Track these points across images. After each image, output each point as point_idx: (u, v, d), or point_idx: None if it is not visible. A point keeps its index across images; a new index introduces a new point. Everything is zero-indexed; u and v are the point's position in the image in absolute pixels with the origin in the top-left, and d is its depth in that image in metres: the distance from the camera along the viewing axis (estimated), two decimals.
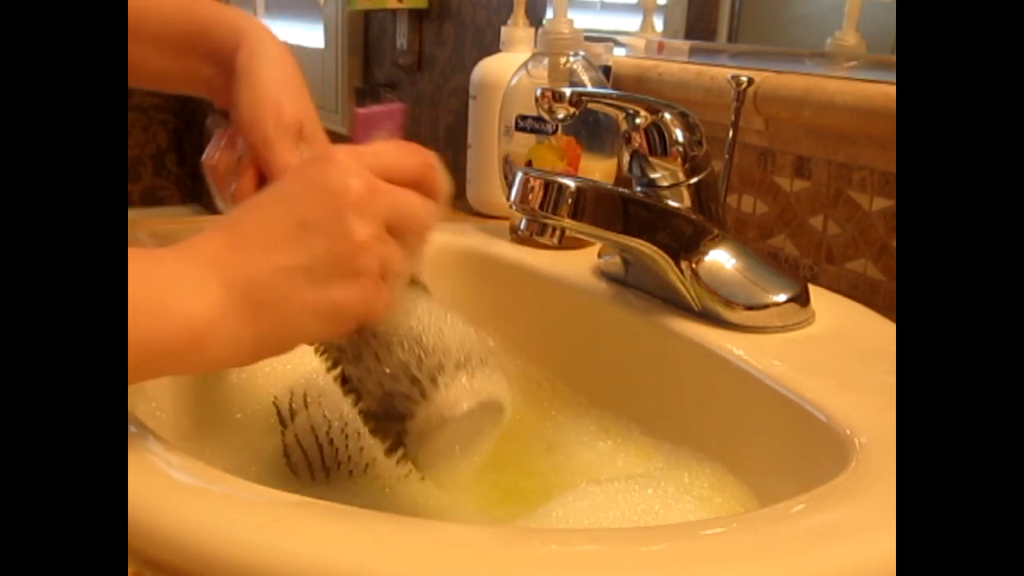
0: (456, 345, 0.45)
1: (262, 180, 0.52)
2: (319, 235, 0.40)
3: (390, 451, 0.46)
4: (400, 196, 0.43)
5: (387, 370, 0.45)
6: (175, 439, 0.55)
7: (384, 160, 0.43)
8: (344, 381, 0.47)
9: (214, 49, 0.56)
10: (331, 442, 0.53)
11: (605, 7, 1.02)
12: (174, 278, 0.39)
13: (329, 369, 0.47)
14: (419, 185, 0.44)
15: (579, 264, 0.69)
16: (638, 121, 0.59)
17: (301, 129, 0.54)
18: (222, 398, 0.60)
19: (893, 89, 0.64)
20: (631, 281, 0.65)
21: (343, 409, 0.55)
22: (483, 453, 0.48)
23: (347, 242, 0.40)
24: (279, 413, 0.57)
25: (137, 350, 0.37)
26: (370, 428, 0.47)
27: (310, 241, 0.40)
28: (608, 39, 0.87)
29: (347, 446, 0.52)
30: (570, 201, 0.55)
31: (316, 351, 0.48)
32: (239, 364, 0.43)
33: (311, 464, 0.53)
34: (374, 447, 0.49)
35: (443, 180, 0.45)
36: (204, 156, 0.55)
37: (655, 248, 0.58)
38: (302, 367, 0.58)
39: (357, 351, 0.45)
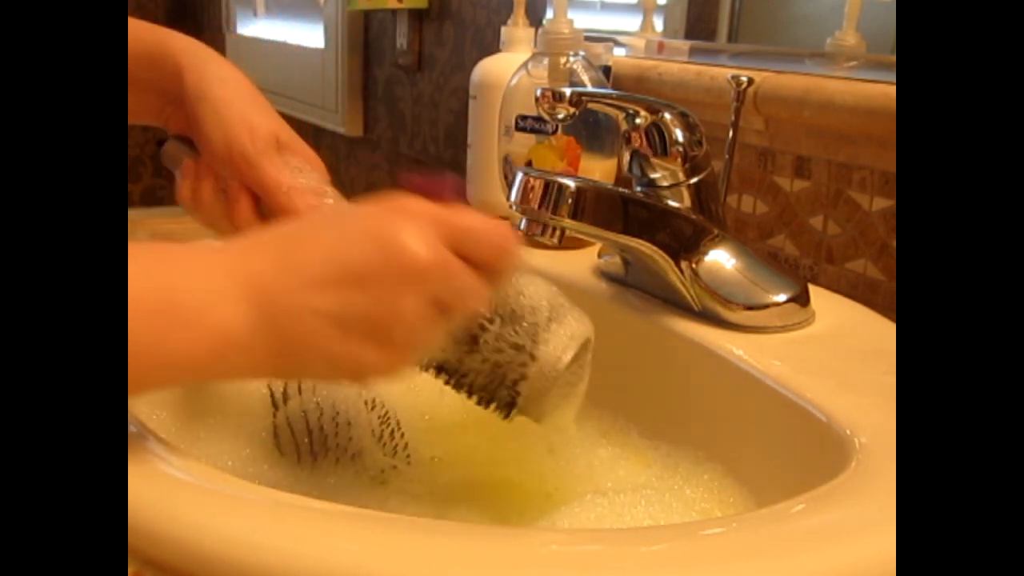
0: (539, 301, 0.47)
1: (256, 199, 0.52)
2: (366, 293, 0.38)
3: (507, 414, 0.47)
4: (460, 279, 0.40)
5: (489, 345, 0.46)
6: (171, 420, 0.55)
7: (464, 234, 0.40)
8: (440, 370, 0.47)
9: (160, 79, 0.55)
10: (321, 429, 0.53)
11: (605, 7, 1.02)
12: (205, 289, 0.38)
13: (423, 368, 0.48)
14: (489, 270, 0.42)
15: (579, 264, 0.69)
16: (638, 121, 0.59)
17: (277, 140, 0.53)
18: (219, 382, 0.60)
19: (893, 89, 0.64)
20: (631, 281, 0.65)
21: (335, 398, 0.55)
22: (585, 383, 0.50)
23: (390, 310, 0.39)
24: (272, 396, 0.57)
25: (153, 359, 0.37)
26: (477, 400, 0.48)
27: (355, 296, 0.38)
28: (608, 39, 0.87)
29: (336, 434, 0.53)
30: (570, 201, 0.55)
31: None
32: (252, 379, 0.42)
33: (299, 448, 0.53)
34: (363, 437, 0.49)
35: (512, 267, 0.43)
36: (178, 192, 0.54)
37: (655, 248, 0.58)
38: None
39: (450, 339, 0.46)
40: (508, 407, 0.47)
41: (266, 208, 0.53)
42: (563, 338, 0.47)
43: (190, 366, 0.38)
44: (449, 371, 0.47)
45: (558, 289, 0.50)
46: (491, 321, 0.46)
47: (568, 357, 0.47)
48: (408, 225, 0.39)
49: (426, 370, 0.48)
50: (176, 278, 0.38)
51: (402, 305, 0.39)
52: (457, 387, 0.48)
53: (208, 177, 0.54)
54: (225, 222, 0.53)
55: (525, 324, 0.46)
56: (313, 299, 0.38)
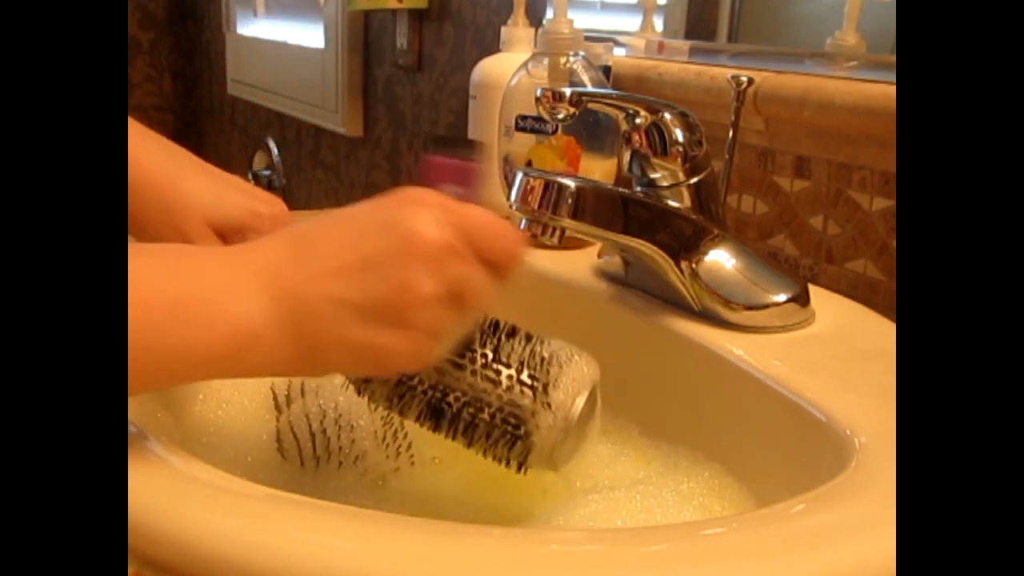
0: (542, 348, 0.46)
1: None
2: (382, 277, 0.38)
3: (520, 466, 0.46)
4: (474, 271, 0.40)
5: (497, 388, 0.45)
6: (173, 422, 0.55)
7: (474, 228, 0.40)
8: (436, 412, 0.46)
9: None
10: (324, 431, 0.53)
11: (605, 7, 1.02)
12: (225, 284, 0.38)
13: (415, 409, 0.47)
14: (495, 268, 0.41)
15: (579, 264, 0.69)
16: (638, 121, 0.59)
17: (209, 223, 0.54)
18: (221, 384, 0.60)
19: (893, 89, 0.64)
20: (631, 281, 0.65)
21: (338, 400, 0.55)
22: (595, 428, 0.49)
23: (407, 293, 0.38)
24: (275, 399, 0.57)
25: (179, 354, 0.37)
26: (483, 448, 0.46)
27: (372, 280, 0.38)
28: (608, 39, 0.87)
29: (339, 437, 0.53)
30: (570, 201, 0.55)
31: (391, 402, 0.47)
32: (275, 376, 0.42)
33: (302, 451, 0.53)
34: (365, 440, 0.49)
35: (519, 272, 0.43)
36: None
37: (655, 248, 0.58)
38: None
39: (455, 380, 0.45)
40: (521, 458, 0.46)
41: None
42: (570, 388, 0.46)
43: (210, 361, 0.38)
44: (449, 411, 0.46)
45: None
46: (502, 363, 0.45)
47: (578, 408, 0.45)
48: (421, 211, 0.40)
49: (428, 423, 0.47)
50: (193, 274, 0.38)
51: (419, 288, 0.39)
52: (457, 433, 0.46)
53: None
54: None
55: (535, 371, 0.45)
56: (331, 287, 0.38)
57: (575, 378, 0.46)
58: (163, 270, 0.38)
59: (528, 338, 0.47)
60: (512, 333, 0.47)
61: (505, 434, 0.45)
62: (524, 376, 0.45)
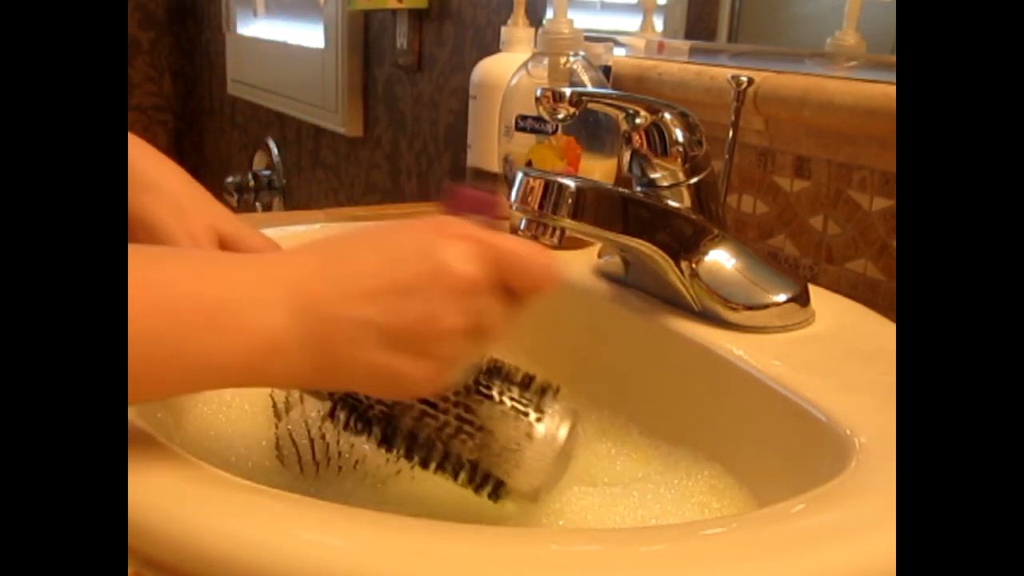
0: (522, 379, 0.47)
1: None
2: (410, 305, 0.39)
3: (496, 495, 0.46)
4: (494, 311, 0.41)
5: (483, 422, 0.45)
6: (174, 423, 0.55)
7: (506, 262, 0.41)
8: (412, 447, 0.46)
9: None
10: (323, 437, 0.53)
11: (605, 7, 1.02)
12: (252, 295, 0.38)
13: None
14: (525, 293, 0.42)
15: (579, 264, 0.69)
16: (638, 121, 0.59)
17: (219, 236, 0.55)
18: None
19: (893, 89, 0.64)
20: (631, 281, 0.65)
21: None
22: (574, 456, 0.49)
23: (433, 324, 0.39)
24: (275, 406, 0.57)
25: (205, 361, 0.37)
26: (464, 478, 0.46)
27: (398, 307, 0.39)
28: (608, 39, 0.87)
29: (338, 442, 0.52)
30: (570, 201, 0.55)
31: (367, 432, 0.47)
32: (288, 388, 0.42)
33: (301, 458, 0.53)
34: (364, 444, 0.49)
35: (546, 295, 0.43)
36: None
37: (655, 248, 0.58)
38: None
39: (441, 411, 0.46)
40: (497, 487, 0.46)
41: None
42: (555, 418, 0.46)
43: (229, 371, 0.38)
44: (426, 443, 0.46)
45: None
46: (501, 393, 0.46)
47: (563, 436, 0.46)
48: (455, 245, 0.40)
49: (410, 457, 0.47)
50: (219, 282, 0.38)
51: (446, 321, 0.39)
52: (436, 465, 0.46)
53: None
54: None
55: (521, 400, 0.46)
56: (357, 309, 0.39)
57: (560, 411, 0.47)
58: (199, 277, 0.38)
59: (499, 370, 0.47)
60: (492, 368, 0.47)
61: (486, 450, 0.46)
62: (512, 413, 0.46)
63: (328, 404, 0.47)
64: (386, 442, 0.46)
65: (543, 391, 0.47)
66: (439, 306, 0.39)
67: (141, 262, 0.37)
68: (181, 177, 0.57)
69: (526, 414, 0.46)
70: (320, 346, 0.39)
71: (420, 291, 0.39)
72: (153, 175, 0.55)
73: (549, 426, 0.46)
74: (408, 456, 0.46)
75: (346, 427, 0.47)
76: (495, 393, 0.46)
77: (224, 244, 0.57)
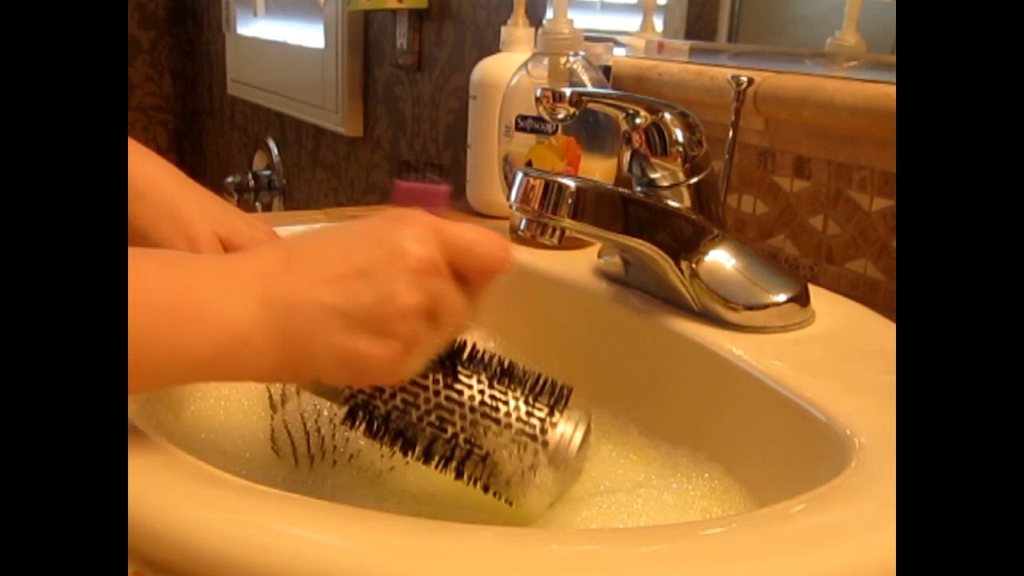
0: (534, 383, 0.47)
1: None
2: (369, 286, 0.40)
3: (509, 498, 0.46)
4: (450, 292, 0.42)
5: (498, 424, 0.45)
6: (173, 419, 0.55)
7: (456, 245, 0.42)
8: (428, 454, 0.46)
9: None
10: (318, 430, 0.53)
11: (605, 7, 1.02)
12: (218, 289, 0.40)
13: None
14: (476, 278, 0.43)
15: (579, 264, 0.69)
16: (638, 121, 0.59)
17: (219, 239, 0.56)
18: (219, 383, 0.60)
19: (893, 89, 0.64)
20: (631, 281, 0.65)
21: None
22: (585, 460, 0.49)
23: (391, 303, 0.40)
24: (270, 398, 0.57)
25: (175, 355, 0.38)
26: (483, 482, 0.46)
27: (358, 289, 0.40)
28: (608, 39, 0.87)
29: (333, 435, 0.53)
30: (570, 201, 0.55)
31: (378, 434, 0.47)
32: (258, 380, 0.44)
33: (296, 450, 0.53)
34: (359, 438, 0.49)
35: (497, 282, 0.44)
36: None
37: (655, 248, 0.58)
38: None
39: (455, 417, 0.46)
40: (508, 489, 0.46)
41: None
42: (568, 424, 0.46)
43: (198, 363, 0.39)
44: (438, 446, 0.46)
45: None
46: (501, 401, 0.46)
47: (576, 443, 0.46)
48: (409, 228, 0.42)
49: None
50: (185, 277, 0.40)
51: (402, 298, 0.40)
52: (448, 466, 0.46)
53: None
54: None
55: (532, 407, 0.46)
56: (320, 294, 0.40)
57: (573, 419, 0.47)
58: (163, 273, 0.39)
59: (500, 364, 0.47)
60: (479, 359, 0.47)
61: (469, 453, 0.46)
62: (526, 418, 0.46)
63: (345, 408, 0.47)
64: (403, 451, 0.47)
65: (555, 396, 0.47)
66: (395, 285, 0.40)
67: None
68: (174, 179, 0.57)
69: (534, 437, 0.45)
70: (287, 334, 0.40)
71: (377, 272, 0.40)
72: (143, 182, 0.56)
73: (559, 445, 0.46)
74: (426, 461, 0.47)
75: (361, 429, 0.47)
76: (502, 410, 0.46)
77: (225, 243, 0.57)
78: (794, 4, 0.83)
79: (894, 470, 0.40)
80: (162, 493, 0.36)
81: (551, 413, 0.46)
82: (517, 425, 0.46)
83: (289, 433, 0.53)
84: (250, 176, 1.86)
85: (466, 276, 0.43)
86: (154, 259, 0.41)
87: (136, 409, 0.43)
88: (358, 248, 0.41)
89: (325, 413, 0.54)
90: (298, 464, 0.53)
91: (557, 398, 0.47)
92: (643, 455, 0.58)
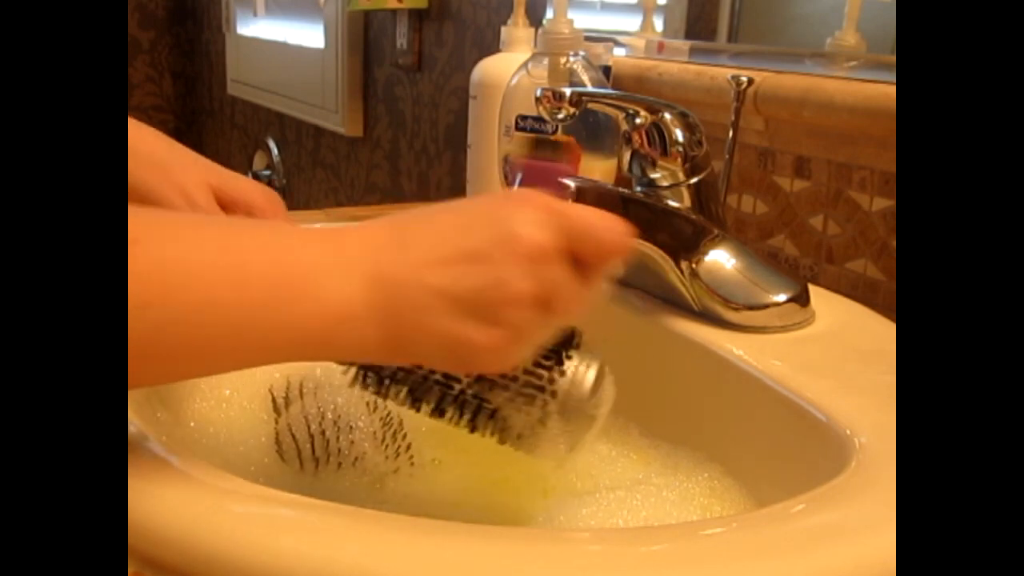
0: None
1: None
2: (481, 272, 0.38)
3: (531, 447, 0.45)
4: (565, 280, 0.40)
5: (504, 378, 0.44)
6: (173, 421, 0.55)
7: (579, 225, 0.40)
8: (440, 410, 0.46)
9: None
10: (323, 433, 0.53)
11: (605, 7, 1.02)
12: (327, 264, 0.38)
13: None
14: (592, 262, 0.41)
15: None
16: (638, 121, 0.59)
17: (213, 190, 0.56)
18: (220, 383, 0.60)
19: (893, 89, 0.64)
20: (631, 281, 0.65)
21: (337, 402, 0.55)
22: (605, 412, 0.48)
23: (503, 290, 0.38)
24: (274, 401, 0.57)
25: (282, 329, 0.37)
26: (498, 430, 0.46)
27: (469, 274, 0.38)
28: (608, 39, 0.87)
29: (338, 438, 0.52)
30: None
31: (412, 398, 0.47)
32: (358, 359, 0.43)
33: (301, 453, 0.53)
34: (364, 441, 0.49)
35: (615, 269, 0.42)
36: None
37: (655, 248, 0.58)
38: None
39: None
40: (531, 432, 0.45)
41: None
42: (580, 368, 0.45)
43: (303, 340, 0.38)
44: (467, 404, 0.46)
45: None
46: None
47: (588, 385, 0.45)
48: (525, 212, 0.39)
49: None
50: (292, 253, 0.38)
51: (514, 287, 0.38)
52: (475, 422, 0.46)
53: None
54: None
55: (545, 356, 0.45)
56: (429, 276, 0.38)
57: (585, 362, 0.45)
58: (267, 247, 0.38)
59: None
60: None
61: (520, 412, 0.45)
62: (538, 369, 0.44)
63: (352, 369, 0.46)
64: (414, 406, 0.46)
65: (563, 343, 0.45)
66: (508, 271, 0.38)
67: (215, 233, 0.37)
68: (160, 137, 0.57)
69: (541, 388, 0.44)
70: (392, 314, 0.38)
71: (489, 257, 0.38)
72: (131, 139, 0.54)
73: (568, 394, 0.44)
74: (440, 417, 0.46)
75: (371, 389, 0.46)
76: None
77: (218, 196, 0.56)
78: (794, 4, 0.83)
79: (894, 470, 0.40)
80: (162, 493, 0.36)
81: (559, 362, 0.45)
82: (524, 377, 0.44)
83: (294, 437, 0.53)
84: (250, 176, 1.86)
85: (583, 259, 0.41)
86: (257, 234, 0.39)
87: (136, 409, 0.43)
88: (472, 229, 0.39)
89: (329, 416, 0.54)
90: (303, 468, 0.52)
91: (565, 344, 0.45)
92: (643, 455, 0.58)
